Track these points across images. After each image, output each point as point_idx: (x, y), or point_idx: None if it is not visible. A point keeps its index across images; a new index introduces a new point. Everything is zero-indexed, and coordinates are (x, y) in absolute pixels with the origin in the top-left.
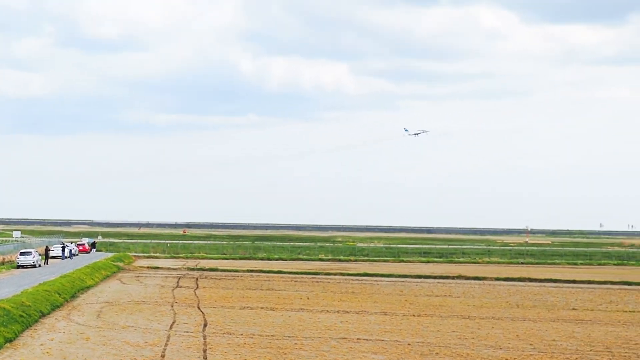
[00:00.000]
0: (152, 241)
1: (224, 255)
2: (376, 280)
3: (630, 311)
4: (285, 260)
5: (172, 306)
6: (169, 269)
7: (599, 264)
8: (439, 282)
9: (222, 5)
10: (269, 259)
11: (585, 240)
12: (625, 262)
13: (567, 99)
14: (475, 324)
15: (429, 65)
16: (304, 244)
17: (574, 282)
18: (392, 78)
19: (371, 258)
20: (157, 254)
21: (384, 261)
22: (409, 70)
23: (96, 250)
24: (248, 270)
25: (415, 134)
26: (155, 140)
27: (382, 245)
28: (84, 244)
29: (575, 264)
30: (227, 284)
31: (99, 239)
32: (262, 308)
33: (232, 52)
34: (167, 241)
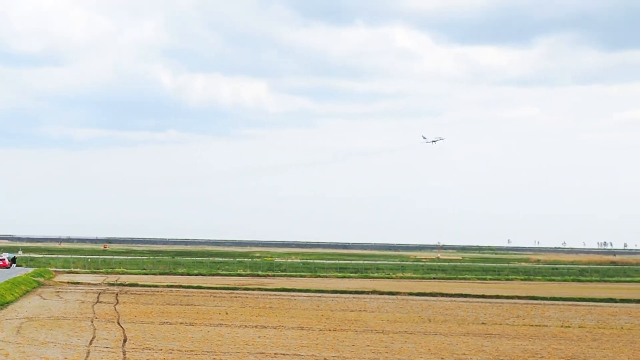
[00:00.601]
0: (73, 256)
1: (144, 271)
2: (293, 296)
3: (536, 325)
4: (205, 275)
5: (92, 322)
6: (89, 284)
7: (507, 279)
8: (354, 297)
9: (143, 21)
10: (188, 274)
11: (494, 255)
12: (532, 277)
13: (476, 118)
14: (389, 338)
15: (346, 84)
16: (223, 259)
17: (483, 296)
18: (311, 96)
19: (289, 273)
20: (78, 269)
21: (301, 276)
22: (327, 88)
23: (16, 266)
24: (168, 286)
25: (432, 141)
26: (76, 155)
27: (299, 261)
28: (4, 259)
29: (485, 279)
30: (147, 299)
31: (20, 254)
32: (181, 323)
33: (153, 68)
34: (87, 256)
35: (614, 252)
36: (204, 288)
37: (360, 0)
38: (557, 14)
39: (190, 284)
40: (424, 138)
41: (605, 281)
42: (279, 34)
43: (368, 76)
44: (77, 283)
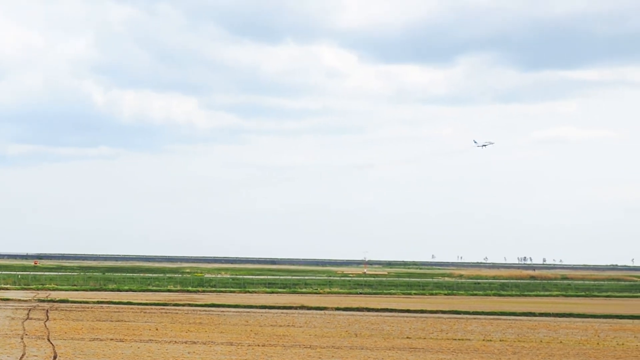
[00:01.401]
0: (3, 272)
1: (75, 287)
2: (223, 311)
3: (459, 339)
4: (135, 291)
5: (22, 338)
6: (19, 300)
7: (431, 294)
8: (282, 312)
9: (74, 38)
10: (119, 290)
11: (418, 271)
12: (455, 292)
13: (401, 135)
14: (316, 353)
15: (275, 101)
16: (154, 275)
17: (408, 311)
18: (240, 112)
19: (218, 289)
20: (8, 286)
21: (231, 292)
22: (256, 105)
23: None
24: (98, 302)
25: (483, 145)
26: (6, 170)
27: (228, 276)
28: None
29: (410, 293)
30: (78, 315)
31: None
32: (111, 339)
33: (85, 84)
34: (18, 272)
35: (533, 267)
36: (134, 304)
37: (290, 19)
38: (477, 34)
39: (120, 300)
40: (475, 142)
41: (525, 295)
42: (209, 51)
43: (296, 93)
44: (7, 299)
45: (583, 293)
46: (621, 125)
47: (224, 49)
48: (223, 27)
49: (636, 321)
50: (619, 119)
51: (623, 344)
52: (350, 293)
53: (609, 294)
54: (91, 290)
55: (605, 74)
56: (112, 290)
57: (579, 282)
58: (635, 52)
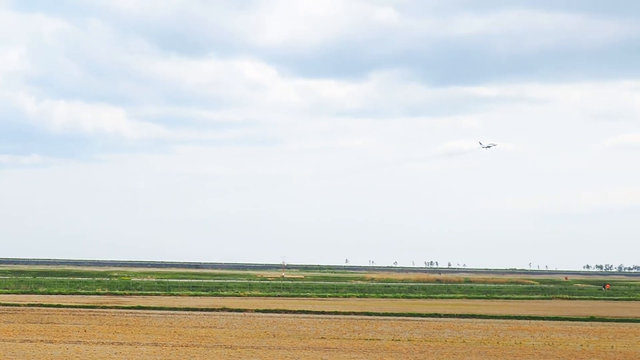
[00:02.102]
0: None
1: (6, 290)
2: (148, 313)
3: (370, 339)
4: (65, 294)
5: None
6: None
7: (345, 296)
8: (205, 314)
9: (7, 50)
10: (49, 294)
11: (333, 274)
12: (367, 294)
13: (318, 146)
14: (237, 353)
15: (199, 113)
16: (83, 278)
17: (323, 312)
18: (166, 123)
19: (144, 292)
20: None
21: (156, 295)
22: (181, 116)
23: None
24: (29, 305)
25: (487, 147)
26: None
27: (154, 280)
28: None
29: (325, 296)
30: (9, 317)
31: None
32: (41, 341)
33: (17, 95)
34: None
35: (439, 271)
36: (64, 307)
37: (213, 35)
38: (388, 52)
39: (50, 303)
40: (480, 144)
41: (432, 297)
42: (136, 65)
43: (219, 105)
44: None
45: (484, 295)
46: (521, 139)
47: (150, 62)
48: (150, 42)
49: (532, 321)
50: (519, 132)
51: (520, 343)
52: (269, 296)
53: (507, 296)
54: (22, 293)
55: (506, 91)
56: (43, 293)
57: (481, 285)
58: (533, 70)
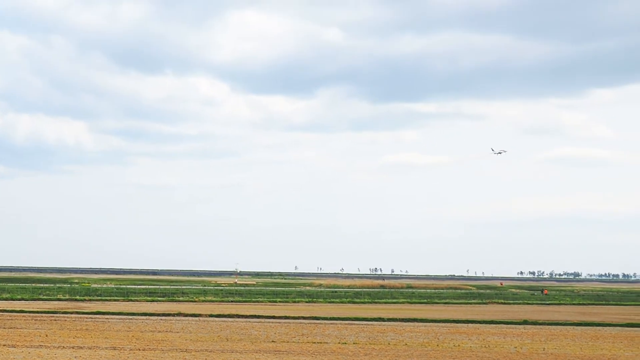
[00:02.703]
0: None
1: None
2: (108, 318)
3: (318, 342)
4: (27, 300)
5: None
6: None
7: (294, 302)
8: (162, 319)
9: None
10: (12, 299)
11: (283, 280)
12: (315, 299)
13: (269, 159)
14: (191, 356)
15: (156, 127)
16: (45, 285)
17: (274, 317)
18: (125, 137)
19: (104, 298)
20: None
21: (115, 300)
22: (140, 130)
23: None
24: None
25: (498, 153)
26: None
27: (113, 286)
28: None
29: (275, 301)
30: None
31: None
32: (4, 345)
33: None
34: None
35: (383, 277)
36: (26, 312)
37: (169, 51)
38: (334, 70)
39: (13, 309)
40: (492, 150)
41: (376, 302)
42: (97, 80)
43: (175, 120)
44: None
45: (425, 300)
46: (457, 152)
47: (110, 77)
48: (109, 58)
49: (470, 325)
50: (456, 146)
51: (459, 345)
52: (222, 301)
53: (447, 301)
54: None
55: (444, 107)
56: (6, 299)
57: (422, 290)
58: (469, 88)
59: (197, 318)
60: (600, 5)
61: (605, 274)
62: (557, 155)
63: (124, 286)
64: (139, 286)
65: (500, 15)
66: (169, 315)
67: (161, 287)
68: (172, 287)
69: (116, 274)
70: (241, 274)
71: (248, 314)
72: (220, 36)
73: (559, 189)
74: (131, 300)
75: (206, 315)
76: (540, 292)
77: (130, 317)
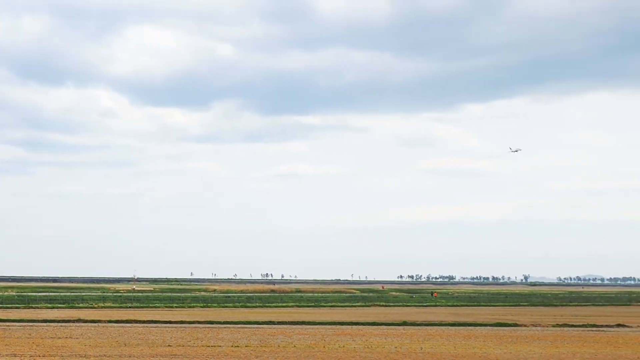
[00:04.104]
0: None
1: None
2: (8, 325)
3: (212, 346)
4: None
5: None
6: None
7: (190, 307)
8: (62, 325)
9: None
10: None
11: (179, 286)
12: (209, 304)
13: (166, 169)
14: None
15: (57, 137)
16: None
17: (170, 322)
18: (27, 147)
19: (5, 305)
20: None
21: (16, 307)
22: (41, 141)
23: None
24: None
25: (515, 151)
26: None
27: (14, 294)
28: None
29: (172, 306)
30: None
31: None
32: None
33: None
34: None
35: (273, 282)
36: None
37: (70, 64)
38: (227, 84)
39: None
40: (510, 149)
41: (267, 306)
42: None
43: (76, 131)
44: None
45: (313, 304)
46: (343, 163)
47: (11, 88)
48: (11, 70)
49: (354, 327)
50: (342, 157)
51: (344, 347)
52: (121, 307)
53: (333, 304)
54: None
55: (329, 119)
56: None
57: (310, 294)
58: (353, 102)
59: (96, 324)
60: (470, 25)
61: (477, 277)
62: (433, 165)
63: (25, 293)
64: (39, 293)
65: (381, 33)
66: (69, 321)
67: (62, 294)
68: (72, 293)
69: (17, 281)
70: (139, 280)
71: (146, 319)
72: (119, 50)
73: (435, 198)
74: (32, 308)
75: (105, 321)
76: (430, 294)
77: (31, 324)
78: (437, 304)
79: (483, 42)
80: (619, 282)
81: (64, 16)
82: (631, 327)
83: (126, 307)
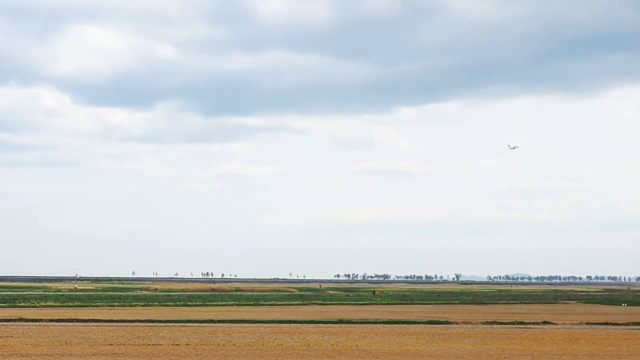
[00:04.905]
0: None
1: None
2: None
3: (153, 344)
4: None
5: None
6: None
7: (131, 305)
8: (2, 325)
9: None
10: None
11: (121, 285)
12: (151, 303)
13: (109, 168)
14: None
15: (0, 136)
16: None
17: (112, 321)
18: None
19: None
20: None
21: None
22: None
23: None
24: None
25: (512, 148)
26: None
27: None
28: None
29: (113, 305)
30: None
31: None
32: None
33: None
34: None
35: (214, 281)
36: None
37: (13, 64)
38: (170, 84)
39: None
40: (509, 146)
41: (207, 305)
42: None
43: (20, 130)
44: None
45: (252, 302)
46: (283, 163)
47: None
48: None
49: (292, 325)
50: (282, 157)
51: (282, 344)
52: (63, 306)
53: (272, 302)
54: None
55: (270, 121)
56: None
57: (249, 293)
58: (293, 103)
59: (37, 323)
60: (407, 30)
61: (411, 276)
62: (369, 167)
63: None
64: None
65: (320, 37)
66: (10, 320)
67: (3, 293)
68: (13, 292)
69: None
70: (81, 279)
71: (87, 318)
72: (62, 50)
73: (371, 198)
74: None
75: (47, 320)
76: (372, 293)
77: None
78: (373, 302)
79: (419, 46)
80: (545, 280)
81: (8, 15)
82: (556, 324)
83: (68, 307)
